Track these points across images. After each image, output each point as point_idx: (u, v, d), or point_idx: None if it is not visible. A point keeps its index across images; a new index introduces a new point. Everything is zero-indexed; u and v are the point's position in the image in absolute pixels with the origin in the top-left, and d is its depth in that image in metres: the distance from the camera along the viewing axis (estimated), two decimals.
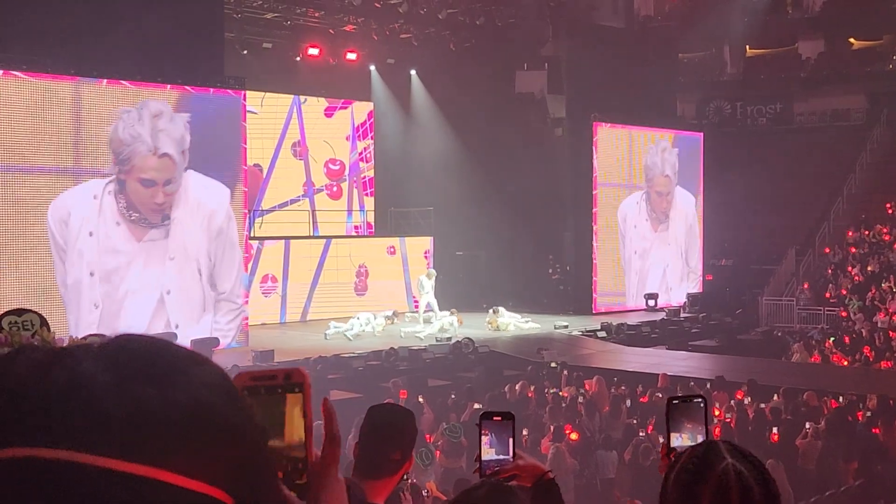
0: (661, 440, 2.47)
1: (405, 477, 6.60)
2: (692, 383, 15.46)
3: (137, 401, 0.78)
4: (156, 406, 0.78)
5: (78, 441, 0.75)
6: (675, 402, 2.44)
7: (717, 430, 12.75)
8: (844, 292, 25.30)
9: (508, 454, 2.66)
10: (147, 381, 0.79)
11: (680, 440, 2.36)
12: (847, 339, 21.66)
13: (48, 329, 1.71)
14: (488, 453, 2.64)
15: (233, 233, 19.78)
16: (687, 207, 28.81)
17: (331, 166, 27.90)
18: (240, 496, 0.81)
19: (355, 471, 3.27)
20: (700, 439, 2.34)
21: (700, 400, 2.45)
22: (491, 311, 22.82)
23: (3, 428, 0.77)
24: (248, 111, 20.85)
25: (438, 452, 11.95)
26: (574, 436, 12.58)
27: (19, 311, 1.73)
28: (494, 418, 2.68)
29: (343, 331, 20.86)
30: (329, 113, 27.97)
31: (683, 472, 1.94)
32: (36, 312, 1.73)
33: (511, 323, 22.65)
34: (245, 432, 0.83)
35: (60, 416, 0.77)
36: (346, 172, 28.18)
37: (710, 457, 1.93)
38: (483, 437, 2.65)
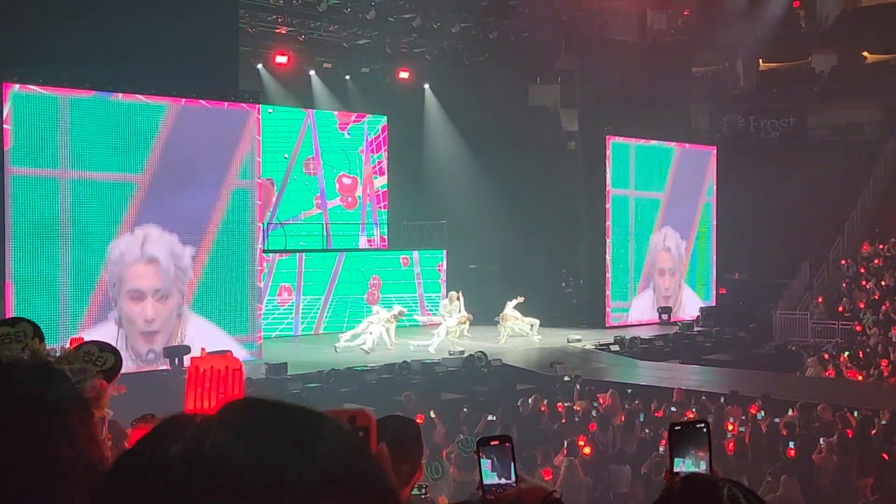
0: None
1: (422, 494, 6.58)
2: (703, 398, 15.41)
3: (281, 470, 0.77)
4: (300, 473, 0.78)
5: None
6: (676, 428, 2.36)
7: (731, 444, 12.71)
8: (862, 305, 25.15)
9: (511, 478, 2.63)
10: (285, 447, 0.79)
11: (683, 466, 2.30)
12: (861, 354, 21.54)
13: (41, 339, 1.73)
14: (490, 478, 2.62)
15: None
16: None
17: (344, 180, 27.98)
18: None
19: None
20: (703, 466, 2.29)
21: (703, 426, 2.37)
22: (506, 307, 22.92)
23: None
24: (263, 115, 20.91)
25: (453, 467, 11.93)
26: (587, 450, 12.55)
27: (12, 322, 1.74)
28: (492, 443, 2.65)
29: (358, 346, 20.81)
30: (343, 127, 28.06)
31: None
32: (29, 322, 1.74)
33: (518, 323, 22.69)
34: (382, 483, 0.84)
35: (209, 494, 0.76)
36: (359, 186, 28.25)
37: (703, 489, 1.93)
38: (483, 462, 2.63)
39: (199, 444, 0.78)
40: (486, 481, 2.61)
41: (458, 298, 22.41)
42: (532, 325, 22.97)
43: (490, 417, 13.98)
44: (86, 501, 1.63)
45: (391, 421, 3.58)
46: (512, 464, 2.63)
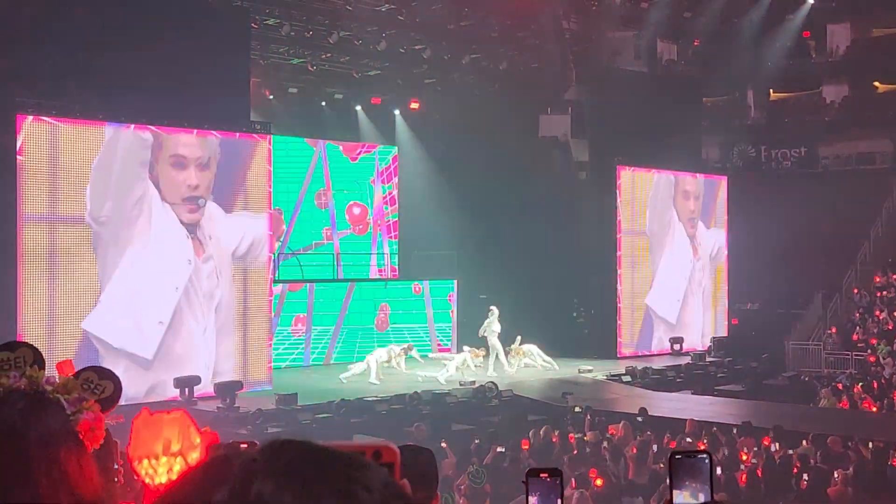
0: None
1: None
2: (715, 429, 15.29)
3: None
4: None
5: None
6: (677, 457, 2.29)
7: (744, 476, 12.59)
8: (874, 342, 24.97)
9: None
10: (332, 496, 0.79)
11: (682, 497, 2.24)
12: (876, 385, 21.37)
13: (41, 366, 1.70)
14: None
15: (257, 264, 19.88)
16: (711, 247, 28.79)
17: (354, 210, 28.03)
18: None
19: None
20: (702, 498, 2.23)
21: (705, 456, 2.31)
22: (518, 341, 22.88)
23: None
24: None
25: (462, 498, 11.83)
26: (599, 482, 12.44)
27: (12, 346, 1.72)
28: (541, 475, 2.60)
29: (368, 380, 20.77)
30: (354, 157, 28.16)
31: None
32: (30, 346, 1.72)
33: (531, 355, 22.68)
34: None
35: None
36: (370, 215, 28.29)
37: None
38: (530, 498, 2.57)
39: (244, 492, 0.78)
40: None
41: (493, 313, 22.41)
42: (548, 362, 22.97)
43: (499, 449, 13.87)
44: None
45: (407, 451, 3.56)
46: (559, 500, 2.57)
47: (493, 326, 22.55)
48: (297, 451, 0.83)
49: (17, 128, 16.97)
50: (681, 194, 28.01)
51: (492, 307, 22.90)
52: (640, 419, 16.56)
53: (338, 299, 25.17)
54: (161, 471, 2.60)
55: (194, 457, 2.64)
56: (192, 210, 18.95)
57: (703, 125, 31.27)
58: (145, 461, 2.62)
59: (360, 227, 28.20)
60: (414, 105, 28.45)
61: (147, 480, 2.62)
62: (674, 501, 2.23)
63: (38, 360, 1.94)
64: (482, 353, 21.84)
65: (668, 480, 2.30)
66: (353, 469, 0.83)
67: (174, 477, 2.56)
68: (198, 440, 2.66)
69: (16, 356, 1.92)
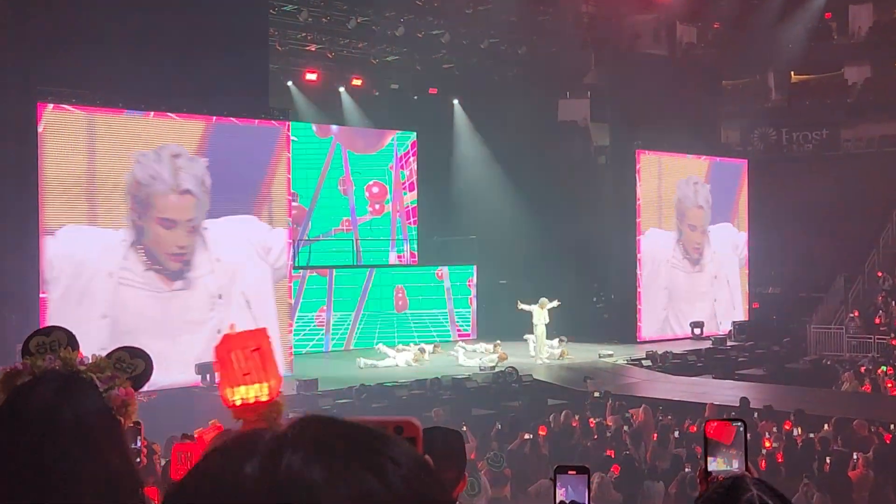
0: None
1: None
2: (734, 413, 15.25)
3: (356, 494, 0.79)
4: (374, 497, 0.79)
5: None
6: (713, 425, 2.35)
7: (764, 460, 12.56)
8: None
9: None
10: (360, 471, 0.80)
11: (716, 464, 2.26)
12: None
13: (74, 347, 1.72)
14: None
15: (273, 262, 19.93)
16: (728, 240, 28.65)
17: (373, 189, 28.05)
18: None
19: None
20: (737, 465, 2.24)
21: (740, 423, 2.32)
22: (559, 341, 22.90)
23: None
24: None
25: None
26: (615, 470, 12.42)
27: (47, 331, 1.74)
28: (569, 472, 2.62)
29: (385, 364, 21.04)
30: (372, 143, 28.18)
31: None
32: (64, 330, 1.74)
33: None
34: (444, 496, 0.87)
35: None
36: (389, 194, 28.29)
37: (735, 490, 1.89)
38: (558, 493, 2.59)
39: (275, 464, 0.79)
40: None
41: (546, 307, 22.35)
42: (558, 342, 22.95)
43: (527, 436, 13.88)
44: None
45: (437, 432, 3.59)
46: (587, 494, 2.59)
47: (539, 315, 22.39)
48: (324, 425, 0.85)
49: (39, 116, 17.08)
50: (692, 184, 27.90)
51: (542, 299, 22.68)
52: (660, 407, 16.53)
53: (357, 285, 25.23)
54: (251, 395, 2.73)
55: (273, 384, 2.79)
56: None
57: (723, 109, 31.08)
58: (240, 388, 2.75)
59: (378, 205, 28.18)
60: (432, 90, 28.40)
61: (238, 403, 2.74)
62: (708, 469, 2.25)
63: (72, 342, 2.00)
64: (505, 354, 21.66)
65: (703, 449, 2.30)
66: (380, 443, 0.85)
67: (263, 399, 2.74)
68: (274, 368, 2.85)
69: (51, 340, 1.98)
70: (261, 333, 2.90)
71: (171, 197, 18.52)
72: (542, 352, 22.18)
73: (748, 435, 2.36)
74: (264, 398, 2.75)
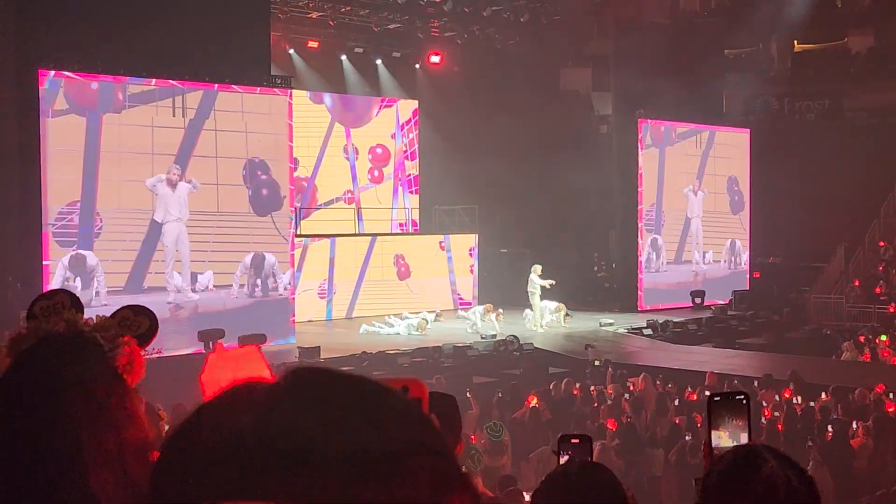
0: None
1: None
2: (736, 381, 15.33)
3: (351, 443, 0.78)
4: (369, 446, 0.78)
5: (308, 491, 0.75)
6: (716, 398, 2.33)
7: (764, 427, 12.63)
8: None
9: None
10: (354, 420, 0.79)
11: (720, 439, 2.26)
12: None
13: (78, 309, 1.72)
14: None
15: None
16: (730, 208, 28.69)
17: (377, 151, 27.99)
18: None
19: None
20: (743, 438, 2.25)
21: (742, 397, 2.33)
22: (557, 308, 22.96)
23: (226, 484, 0.76)
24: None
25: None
26: (616, 440, 12.48)
27: (50, 295, 1.74)
28: (573, 440, 2.66)
29: (391, 332, 21.17)
30: (361, 115, 28.07)
31: (726, 478, 1.90)
32: (67, 292, 1.74)
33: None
34: (447, 456, 0.85)
35: (280, 466, 0.76)
36: (392, 157, 28.21)
37: (753, 460, 1.89)
38: (561, 459, 2.63)
39: (269, 415, 0.78)
40: None
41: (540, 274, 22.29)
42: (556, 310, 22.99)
43: (533, 404, 13.91)
44: (115, 472, 1.64)
45: (432, 397, 3.60)
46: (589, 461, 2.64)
47: (536, 283, 22.36)
48: (321, 375, 0.84)
49: (40, 83, 17.04)
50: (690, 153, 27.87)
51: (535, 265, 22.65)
52: (660, 375, 16.57)
53: (359, 254, 25.25)
54: None
55: None
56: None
57: (725, 77, 30.95)
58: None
59: (378, 172, 28.12)
60: (434, 58, 28.28)
61: None
62: (712, 443, 2.27)
63: (75, 304, 1.98)
64: (500, 311, 21.79)
65: (706, 422, 2.32)
66: (378, 394, 0.83)
67: None
68: (266, 374, 2.70)
69: (54, 303, 1.95)
70: (249, 354, 2.80)
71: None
72: (539, 320, 22.18)
73: (752, 408, 2.35)
74: None
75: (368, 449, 0.77)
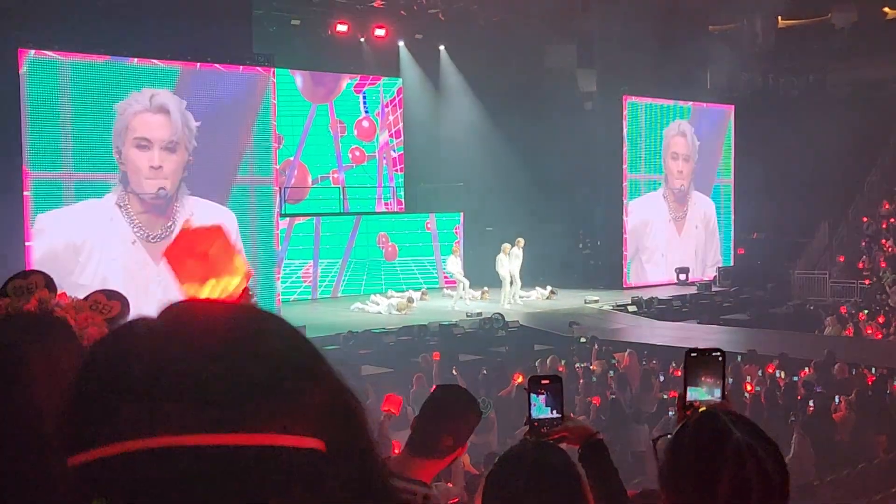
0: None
1: None
2: None
3: (237, 370, 0.79)
4: (249, 372, 0.79)
5: (186, 423, 0.76)
6: (693, 354, 2.40)
7: (748, 402, 12.72)
8: (884, 265, 24.99)
9: (560, 413, 2.70)
10: (236, 348, 0.81)
11: (696, 394, 2.33)
12: (882, 314, 21.45)
13: (52, 290, 1.70)
14: (541, 413, 2.69)
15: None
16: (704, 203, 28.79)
17: (363, 124, 27.91)
18: (331, 440, 0.82)
19: (407, 443, 3.25)
20: (717, 394, 2.32)
21: (718, 354, 2.39)
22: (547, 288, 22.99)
23: (121, 423, 0.77)
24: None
25: None
26: (598, 406, 12.55)
27: (25, 274, 1.73)
28: (543, 381, 2.71)
29: (374, 311, 21.23)
30: (358, 89, 27.97)
31: (693, 455, 1.89)
32: (42, 273, 1.73)
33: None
34: (326, 375, 0.86)
35: (170, 399, 0.77)
36: (377, 132, 28.12)
37: (716, 432, 1.88)
38: (534, 399, 2.68)
39: (154, 353, 0.80)
40: (537, 416, 2.68)
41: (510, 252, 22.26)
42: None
43: (518, 381, 13.97)
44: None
45: (450, 391, 3.54)
46: (561, 400, 2.67)
47: (504, 262, 22.36)
48: (201, 309, 0.86)
49: (20, 62, 16.90)
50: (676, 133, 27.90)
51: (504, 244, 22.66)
52: (645, 352, 16.64)
53: (344, 233, 25.22)
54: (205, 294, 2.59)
55: (234, 282, 2.64)
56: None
57: (710, 53, 30.93)
58: (192, 286, 2.63)
59: (360, 153, 28.01)
60: (418, 36, 28.15)
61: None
62: (688, 398, 2.34)
63: (49, 284, 1.96)
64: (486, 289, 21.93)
65: (683, 378, 2.38)
66: (253, 318, 0.85)
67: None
68: (238, 263, 2.69)
69: (27, 282, 1.94)
70: (214, 232, 2.74)
71: (146, 115, 18.41)
72: (509, 297, 22.15)
73: (728, 368, 2.43)
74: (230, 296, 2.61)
75: (250, 377, 0.79)
